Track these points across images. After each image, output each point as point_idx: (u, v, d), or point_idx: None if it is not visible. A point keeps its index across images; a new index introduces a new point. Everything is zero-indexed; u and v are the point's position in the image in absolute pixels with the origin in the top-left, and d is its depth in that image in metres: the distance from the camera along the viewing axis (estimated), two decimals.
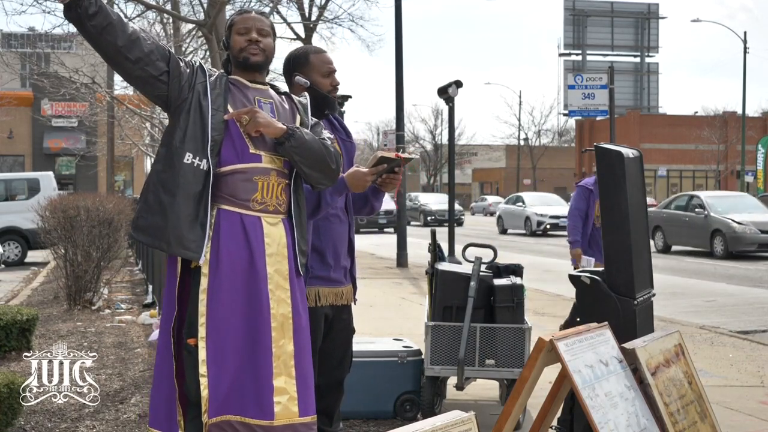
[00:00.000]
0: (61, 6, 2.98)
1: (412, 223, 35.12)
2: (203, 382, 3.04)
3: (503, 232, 30.73)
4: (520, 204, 30.58)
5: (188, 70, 3.21)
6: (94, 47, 3.09)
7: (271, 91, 3.42)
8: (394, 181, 3.69)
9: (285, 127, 3.22)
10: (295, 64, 3.82)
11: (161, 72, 3.14)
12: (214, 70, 3.32)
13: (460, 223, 34.88)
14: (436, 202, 38.09)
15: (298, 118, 3.41)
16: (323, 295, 3.70)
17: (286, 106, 3.43)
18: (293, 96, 3.50)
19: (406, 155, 3.62)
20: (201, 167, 3.12)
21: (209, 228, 3.12)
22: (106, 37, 3.02)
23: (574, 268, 6.87)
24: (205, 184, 3.12)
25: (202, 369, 3.04)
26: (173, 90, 3.18)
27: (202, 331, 3.07)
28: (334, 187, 3.57)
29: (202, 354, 3.05)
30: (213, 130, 3.15)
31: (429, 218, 35.65)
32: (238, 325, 3.11)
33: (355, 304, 3.96)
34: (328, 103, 3.78)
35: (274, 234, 3.22)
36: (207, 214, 3.12)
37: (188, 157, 3.12)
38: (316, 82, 3.77)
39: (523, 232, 29.28)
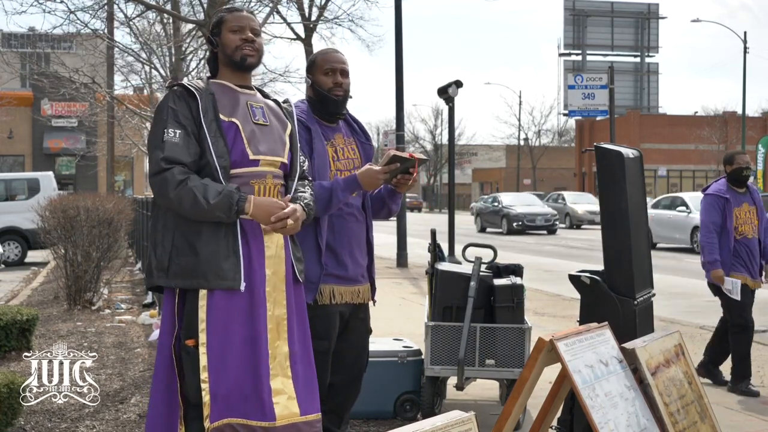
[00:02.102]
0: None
1: (488, 230, 31.24)
2: (204, 387, 3.04)
3: (653, 246, 20.45)
4: (683, 208, 20.80)
5: (191, 115, 3.17)
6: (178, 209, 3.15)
7: (259, 95, 3.42)
8: (408, 182, 3.70)
9: (305, 213, 3.27)
10: (308, 67, 3.87)
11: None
12: (199, 86, 3.25)
13: (553, 231, 29.99)
14: (521, 203, 31.57)
15: (289, 127, 3.42)
16: (338, 293, 3.70)
17: (279, 112, 3.43)
18: (279, 103, 3.51)
19: (420, 156, 3.62)
20: None
21: (241, 252, 3.13)
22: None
23: (713, 288, 6.37)
24: None
25: (203, 375, 3.04)
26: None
27: (202, 337, 3.07)
28: (346, 185, 3.59)
29: (203, 360, 3.05)
30: (218, 158, 3.14)
31: (515, 224, 29.41)
32: (237, 328, 3.11)
33: (374, 305, 3.96)
34: (328, 102, 3.78)
35: (272, 236, 3.22)
36: (237, 240, 3.13)
37: None
38: (317, 81, 3.78)
39: (685, 245, 20.58)
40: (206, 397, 3.03)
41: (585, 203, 35.02)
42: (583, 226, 34.22)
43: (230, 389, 3.07)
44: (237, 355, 3.10)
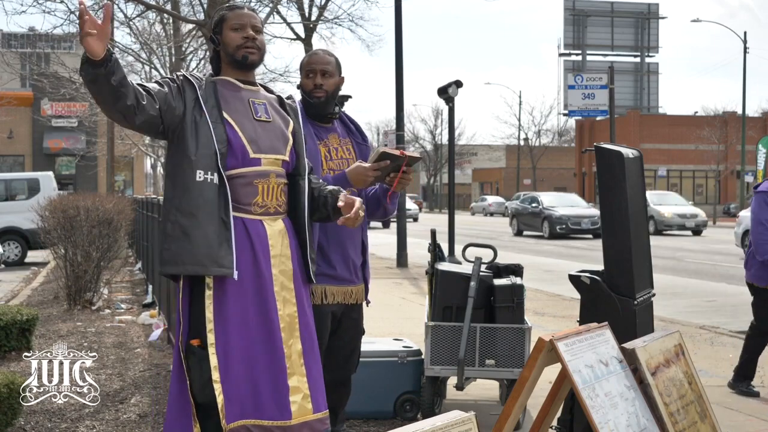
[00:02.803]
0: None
1: (526, 233, 28.33)
2: (217, 388, 3.04)
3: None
4: None
5: (176, 92, 3.16)
6: (110, 105, 2.99)
7: (263, 91, 3.41)
8: (403, 180, 3.67)
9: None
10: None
11: (156, 113, 3.09)
12: (200, 77, 3.28)
13: (600, 235, 24.72)
14: (564, 204, 27.84)
15: (291, 123, 3.41)
16: (330, 293, 3.70)
17: (280, 108, 3.42)
18: (283, 98, 3.50)
19: (411, 153, 3.60)
20: (214, 181, 3.11)
21: (233, 240, 3.11)
22: (121, 90, 2.94)
23: (751, 287, 6.19)
24: (221, 197, 3.11)
25: (215, 375, 3.04)
26: (168, 121, 3.13)
27: (211, 338, 3.06)
28: (335, 182, 3.59)
29: (213, 360, 3.05)
30: (218, 143, 3.13)
31: (558, 227, 26.27)
32: (246, 328, 3.11)
33: (368, 305, 3.95)
34: (309, 104, 3.77)
35: (277, 235, 3.22)
36: (230, 228, 3.11)
37: (200, 175, 3.10)
38: (301, 84, 3.79)
39: None
40: (220, 398, 3.03)
41: (672, 204, 29.06)
42: (668, 232, 28.25)
43: (243, 390, 3.07)
44: (247, 355, 3.09)
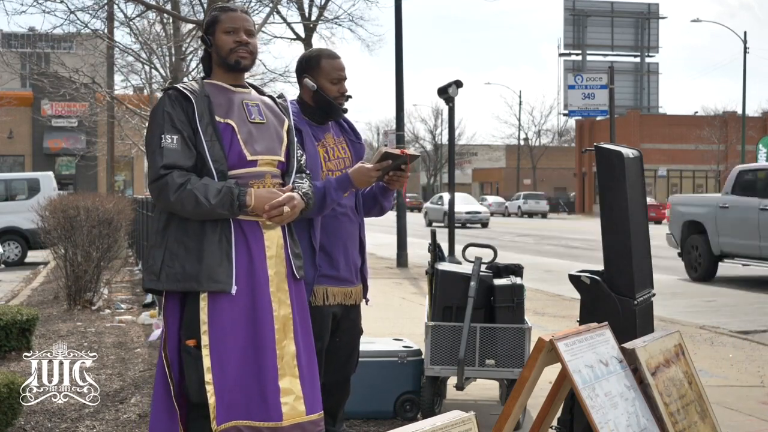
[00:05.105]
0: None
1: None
2: (209, 389, 3.04)
3: None
4: None
5: (186, 119, 3.14)
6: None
7: (254, 93, 3.40)
8: (401, 178, 3.69)
9: (303, 201, 3.25)
10: (306, 66, 3.81)
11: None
12: (194, 88, 3.22)
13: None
14: None
15: (286, 122, 3.40)
16: (331, 294, 3.70)
17: (275, 108, 3.42)
18: (275, 98, 3.48)
19: (411, 152, 3.62)
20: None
21: (233, 255, 3.11)
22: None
23: None
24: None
25: (208, 377, 3.04)
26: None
27: (205, 339, 3.06)
28: (339, 184, 3.58)
29: (207, 362, 3.05)
30: (214, 162, 3.12)
31: None
32: (240, 329, 3.10)
33: (367, 304, 3.96)
34: (332, 110, 3.76)
35: (272, 236, 3.22)
36: (231, 246, 3.11)
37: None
38: (323, 87, 3.75)
39: None
40: (211, 399, 3.04)
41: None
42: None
43: (235, 391, 3.07)
44: (240, 357, 3.09)
